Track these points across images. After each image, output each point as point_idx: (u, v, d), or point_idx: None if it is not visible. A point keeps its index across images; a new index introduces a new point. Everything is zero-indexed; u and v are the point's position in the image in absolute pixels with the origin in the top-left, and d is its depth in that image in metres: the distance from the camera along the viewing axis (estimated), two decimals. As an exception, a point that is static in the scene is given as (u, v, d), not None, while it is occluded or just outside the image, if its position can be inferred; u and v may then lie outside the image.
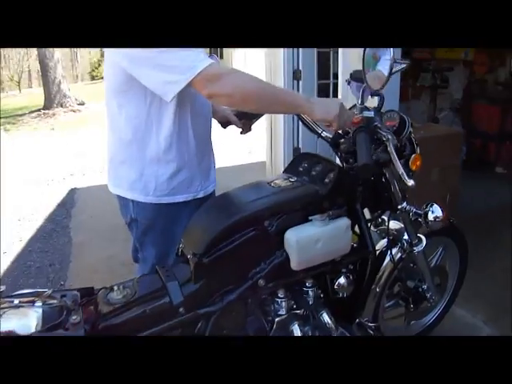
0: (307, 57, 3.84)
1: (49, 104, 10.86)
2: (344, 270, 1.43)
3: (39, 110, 10.81)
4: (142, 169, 1.35)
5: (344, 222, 1.32)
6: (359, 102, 1.39)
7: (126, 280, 1.28)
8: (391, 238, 1.58)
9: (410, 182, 1.26)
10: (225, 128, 1.70)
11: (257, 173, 4.79)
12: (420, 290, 1.72)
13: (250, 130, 1.67)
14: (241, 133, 1.67)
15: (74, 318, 1.02)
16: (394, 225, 1.60)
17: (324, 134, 1.53)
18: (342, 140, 1.43)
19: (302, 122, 1.57)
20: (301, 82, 3.89)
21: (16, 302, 1.02)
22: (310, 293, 1.39)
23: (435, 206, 1.44)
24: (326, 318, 1.37)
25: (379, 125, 1.31)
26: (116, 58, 1.21)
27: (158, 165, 1.34)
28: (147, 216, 1.39)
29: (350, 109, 1.41)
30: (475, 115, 4.39)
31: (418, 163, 1.44)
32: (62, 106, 10.82)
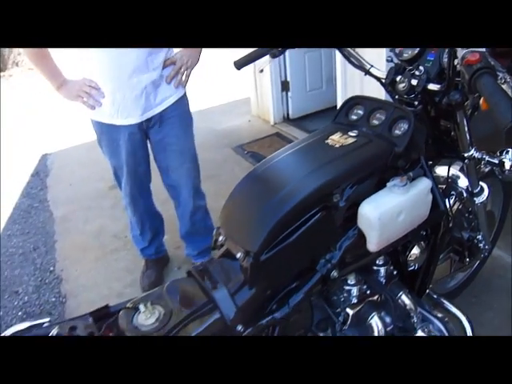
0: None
1: (3, 66, 9.97)
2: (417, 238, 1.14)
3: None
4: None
5: (425, 183, 1.01)
6: None
7: (150, 290, 0.96)
8: (446, 187, 1.28)
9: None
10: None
11: (243, 110, 4.38)
12: (475, 241, 1.46)
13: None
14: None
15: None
16: (452, 172, 1.31)
17: (374, 70, 1.20)
18: (400, 77, 1.10)
19: (344, 55, 1.24)
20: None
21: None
22: (383, 271, 1.11)
23: None
24: (405, 300, 1.10)
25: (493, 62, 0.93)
26: None
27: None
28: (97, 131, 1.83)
29: None
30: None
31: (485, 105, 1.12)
32: (17, 66, 9.95)
